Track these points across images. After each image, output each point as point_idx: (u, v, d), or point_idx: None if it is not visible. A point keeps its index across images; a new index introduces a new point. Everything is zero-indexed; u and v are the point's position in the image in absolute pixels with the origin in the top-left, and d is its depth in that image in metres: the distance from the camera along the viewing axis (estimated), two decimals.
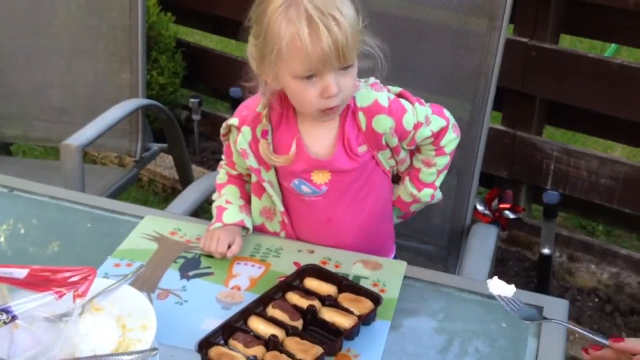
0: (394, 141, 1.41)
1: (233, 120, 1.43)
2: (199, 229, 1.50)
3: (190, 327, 1.24)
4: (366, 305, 1.23)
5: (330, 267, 1.37)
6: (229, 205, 1.49)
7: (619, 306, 2.49)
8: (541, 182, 2.57)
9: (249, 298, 1.28)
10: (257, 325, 1.20)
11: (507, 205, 1.96)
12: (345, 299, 1.25)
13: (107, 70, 2.53)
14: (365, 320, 1.22)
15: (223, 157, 1.53)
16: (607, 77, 2.32)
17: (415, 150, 1.49)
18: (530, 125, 2.57)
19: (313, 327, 1.22)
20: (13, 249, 1.47)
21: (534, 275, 2.58)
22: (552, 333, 1.24)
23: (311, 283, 1.29)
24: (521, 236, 2.70)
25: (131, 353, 1.07)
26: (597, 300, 2.53)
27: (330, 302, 1.25)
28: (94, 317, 1.16)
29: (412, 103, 1.41)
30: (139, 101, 2.47)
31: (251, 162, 1.43)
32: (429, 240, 1.86)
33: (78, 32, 2.54)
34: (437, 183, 1.51)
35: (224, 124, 1.46)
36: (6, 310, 1.07)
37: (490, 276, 1.28)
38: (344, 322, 1.20)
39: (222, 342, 1.17)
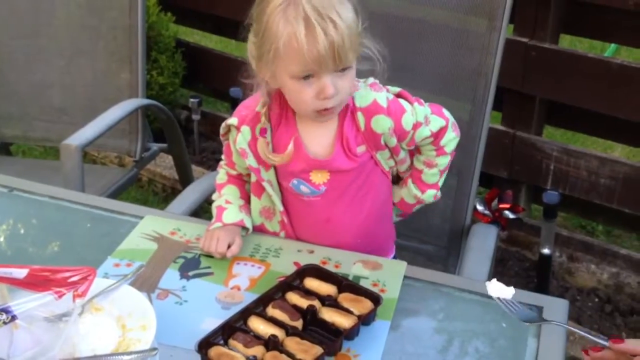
0: (393, 141, 1.41)
1: (232, 120, 1.43)
2: (199, 229, 1.50)
3: (190, 327, 1.24)
4: (366, 305, 1.23)
5: (330, 267, 1.37)
6: (228, 205, 1.49)
7: (619, 306, 2.49)
8: (541, 182, 2.57)
9: (249, 298, 1.28)
10: (257, 325, 1.19)
11: (507, 205, 1.96)
12: (345, 299, 1.25)
13: (106, 70, 2.53)
14: (365, 320, 1.22)
15: (223, 157, 1.53)
16: (606, 77, 2.32)
17: (415, 151, 1.49)
18: (530, 125, 2.57)
19: (313, 327, 1.22)
20: (13, 249, 1.47)
21: (534, 275, 2.58)
22: (552, 333, 1.23)
23: (311, 283, 1.29)
24: (521, 236, 2.70)
25: (131, 353, 1.07)
26: (597, 300, 2.53)
27: (330, 302, 1.25)
28: (94, 317, 1.16)
29: (411, 103, 1.41)
30: (139, 101, 2.47)
31: (250, 161, 1.43)
32: (429, 240, 1.86)
33: (78, 32, 2.54)
34: (440, 183, 1.51)
35: (223, 124, 1.46)
36: (6, 310, 1.07)
37: (490, 276, 1.28)
38: (344, 322, 1.20)
39: (222, 342, 1.17)
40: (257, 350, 1.14)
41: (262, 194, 1.48)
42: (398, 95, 1.42)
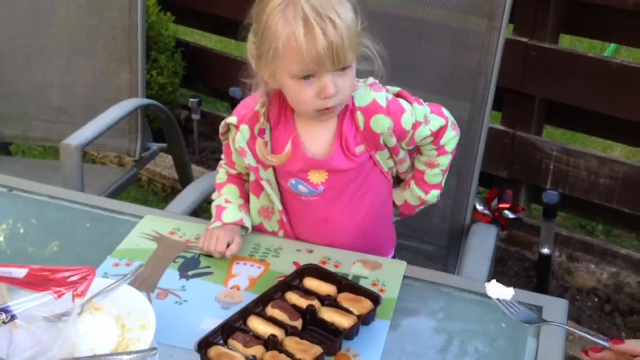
0: (393, 141, 1.41)
1: (232, 119, 1.43)
2: (199, 229, 1.49)
3: (190, 327, 1.24)
4: (366, 305, 1.23)
5: (329, 267, 1.37)
6: (228, 205, 1.49)
7: (619, 306, 2.49)
8: (541, 182, 2.57)
9: (249, 298, 1.28)
10: (257, 325, 1.19)
11: (507, 205, 1.96)
12: (344, 299, 1.25)
13: (106, 70, 2.53)
14: (365, 320, 1.22)
15: (223, 156, 1.53)
16: (606, 77, 2.32)
17: (416, 153, 1.49)
18: (530, 125, 2.57)
19: (313, 327, 1.22)
20: (12, 249, 1.47)
21: (534, 275, 2.58)
22: (551, 333, 1.23)
23: (311, 283, 1.29)
24: (521, 236, 2.70)
25: (130, 353, 1.07)
26: (596, 300, 2.53)
27: (329, 302, 1.25)
28: (94, 317, 1.16)
29: (410, 103, 1.41)
30: (139, 101, 2.47)
31: (250, 160, 1.43)
32: (429, 240, 1.86)
33: (78, 32, 2.54)
34: (443, 183, 1.51)
35: (222, 123, 1.46)
36: (5, 310, 1.07)
37: (490, 276, 1.28)
38: (344, 322, 1.20)
39: (221, 342, 1.17)
40: (257, 350, 1.14)
41: (261, 193, 1.48)
42: (398, 96, 1.42)
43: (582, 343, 2.24)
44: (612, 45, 3.73)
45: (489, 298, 1.30)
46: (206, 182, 1.80)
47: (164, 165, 3.25)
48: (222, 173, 1.54)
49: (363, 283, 1.34)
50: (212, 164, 3.22)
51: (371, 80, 1.40)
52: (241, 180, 1.53)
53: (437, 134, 1.43)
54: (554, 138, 2.92)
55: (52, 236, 1.51)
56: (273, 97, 1.39)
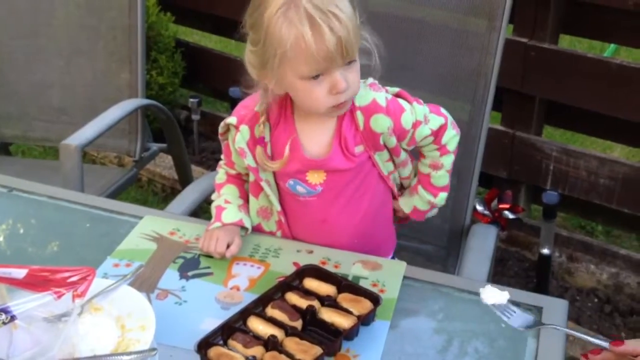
0: (393, 141, 1.41)
1: (231, 119, 1.43)
2: (198, 229, 1.49)
3: (190, 327, 1.24)
4: (365, 305, 1.23)
5: (329, 268, 1.37)
6: (228, 205, 1.49)
7: (619, 306, 2.49)
8: (540, 182, 2.57)
9: (248, 298, 1.28)
10: (257, 325, 1.19)
11: (507, 206, 1.96)
12: (344, 299, 1.25)
13: (106, 70, 2.53)
14: (365, 320, 1.22)
15: (222, 156, 1.53)
16: (606, 77, 2.32)
17: (419, 156, 1.49)
18: (530, 125, 2.57)
19: (312, 328, 1.22)
20: (12, 249, 1.47)
21: (534, 276, 2.58)
22: (551, 334, 1.23)
23: (310, 283, 1.29)
24: (520, 236, 2.70)
25: (130, 353, 1.07)
26: (596, 300, 2.53)
27: (329, 302, 1.25)
28: (93, 317, 1.16)
29: (410, 102, 1.41)
30: (139, 101, 2.47)
31: (249, 161, 1.42)
32: (429, 240, 1.86)
33: (77, 32, 2.54)
34: (449, 185, 1.51)
35: (222, 123, 1.45)
36: (5, 311, 1.06)
37: (490, 277, 1.27)
38: (344, 322, 1.20)
39: (221, 342, 1.17)
40: (257, 350, 1.14)
41: (260, 193, 1.48)
42: (397, 95, 1.42)
43: (582, 343, 2.23)
44: (612, 45, 3.73)
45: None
46: (206, 182, 1.80)
47: (164, 165, 3.25)
48: (221, 173, 1.54)
49: (363, 283, 1.34)
50: (211, 164, 3.22)
51: (370, 80, 1.40)
52: (240, 180, 1.53)
53: (437, 133, 1.43)
54: (554, 138, 2.92)
55: (52, 236, 1.51)
56: (272, 98, 1.39)
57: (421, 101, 1.43)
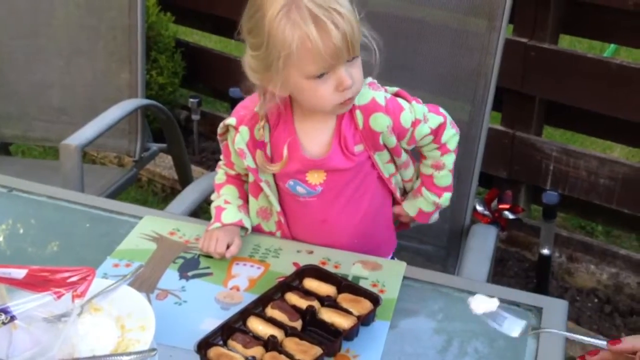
0: (392, 140, 1.40)
1: (230, 120, 1.43)
2: (198, 229, 1.49)
3: (189, 327, 1.24)
4: (365, 305, 1.23)
5: (329, 268, 1.37)
6: (227, 205, 1.48)
7: (618, 307, 2.49)
8: (540, 182, 2.57)
9: (248, 298, 1.28)
10: (256, 325, 1.19)
11: (507, 206, 1.96)
12: (344, 299, 1.25)
13: (106, 70, 2.53)
14: (365, 320, 1.22)
15: (221, 157, 1.53)
16: (606, 78, 2.32)
17: (420, 157, 1.49)
18: (530, 126, 2.57)
19: (312, 328, 1.22)
20: (12, 249, 1.47)
21: (534, 276, 2.58)
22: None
23: (310, 283, 1.29)
24: (520, 236, 2.70)
25: (130, 353, 1.07)
26: (596, 300, 2.53)
27: (329, 302, 1.25)
28: (93, 317, 1.16)
29: (409, 101, 1.41)
30: (138, 101, 2.47)
31: (249, 162, 1.42)
32: (428, 241, 1.86)
33: (77, 32, 2.53)
34: (452, 185, 1.51)
35: (221, 124, 1.45)
36: (5, 311, 1.06)
37: (490, 277, 1.27)
38: (343, 322, 1.20)
39: (221, 342, 1.17)
40: (257, 350, 1.14)
41: (260, 194, 1.48)
42: (396, 95, 1.42)
43: (582, 343, 2.23)
44: (612, 45, 3.73)
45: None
46: (205, 182, 1.80)
47: (164, 165, 3.25)
48: (220, 174, 1.54)
49: (362, 283, 1.34)
50: (211, 164, 3.22)
51: (369, 79, 1.40)
52: (240, 180, 1.53)
53: (437, 132, 1.43)
54: (554, 138, 2.92)
55: (52, 236, 1.51)
56: (274, 101, 1.39)
57: (420, 100, 1.43)
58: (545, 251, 2.38)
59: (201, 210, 1.83)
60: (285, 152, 1.37)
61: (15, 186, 1.66)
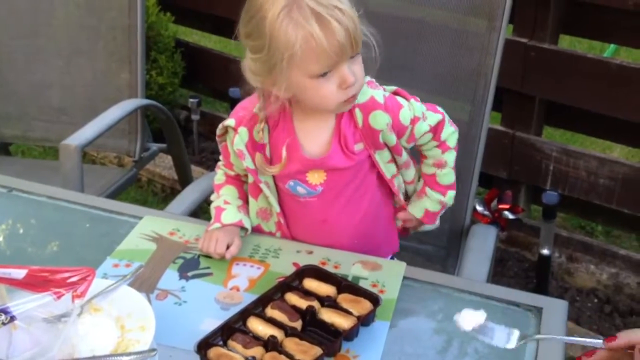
0: (392, 138, 1.40)
1: (229, 122, 1.42)
2: (198, 230, 1.49)
3: (189, 327, 1.24)
4: (365, 306, 1.23)
5: (329, 268, 1.37)
6: (227, 206, 1.48)
7: (618, 307, 2.49)
8: (540, 182, 2.57)
9: (248, 299, 1.28)
10: (256, 326, 1.19)
11: (507, 206, 1.96)
12: (344, 299, 1.25)
13: (106, 70, 2.53)
14: (365, 321, 1.22)
15: (221, 157, 1.53)
16: (606, 78, 2.32)
17: (421, 157, 1.49)
18: (530, 126, 2.57)
19: (312, 328, 1.22)
20: (12, 249, 1.47)
21: (533, 276, 2.58)
22: (551, 334, 1.23)
23: (310, 284, 1.29)
24: (520, 237, 2.70)
25: (130, 354, 1.07)
26: (596, 300, 2.53)
27: (329, 302, 1.25)
28: (93, 317, 1.16)
29: (407, 100, 1.41)
30: (138, 101, 2.47)
31: (248, 163, 1.42)
32: (428, 241, 1.86)
33: (77, 32, 2.53)
34: (455, 184, 1.51)
35: (220, 125, 1.45)
36: (5, 311, 1.06)
37: (490, 277, 1.26)
38: (343, 322, 1.20)
39: (221, 342, 1.17)
40: (257, 351, 1.14)
41: (259, 195, 1.48)
42: (395, 93, 1.42)
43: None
44: (612, 45, 3.73)
45: (489, 298, 1.30)
46: (205, 182, 1.80)
47: (164, 165, 3.25)
48: (220, 174, 1.54)
49: (362, 284, 1.34)
50: (211, 164, 3.22)
51: (368, 78, 1.40)
52: (239, 181, 1.53)
53: (436, 129, 1.43)
54: (554, 138, 2.92)
55: (52, 236, 1.51)
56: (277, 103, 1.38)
57: (418, 99, 1.43)
58: (545, 251, 2.38)
59: (201, 211, 1.83)
60: (284, 153, 1.37)
61: (15, 186, 1.65)
